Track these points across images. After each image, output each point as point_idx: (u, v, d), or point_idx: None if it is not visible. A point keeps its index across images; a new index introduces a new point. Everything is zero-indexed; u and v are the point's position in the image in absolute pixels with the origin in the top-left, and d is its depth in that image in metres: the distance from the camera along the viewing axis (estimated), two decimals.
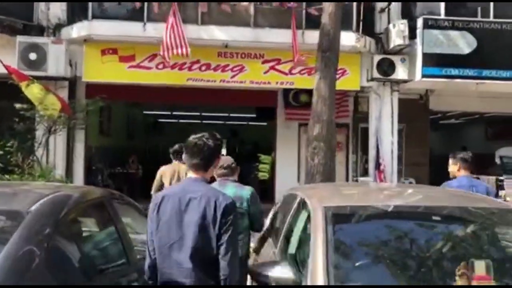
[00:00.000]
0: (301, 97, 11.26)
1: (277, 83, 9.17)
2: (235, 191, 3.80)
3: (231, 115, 19.04)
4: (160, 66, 8.89)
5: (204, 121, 22.23)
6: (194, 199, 2.44)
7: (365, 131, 11.90)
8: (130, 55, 8.93)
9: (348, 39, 8.39)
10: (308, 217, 2.69)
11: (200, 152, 2.53)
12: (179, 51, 7.99)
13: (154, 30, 8.36)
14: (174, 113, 19.15)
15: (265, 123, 19.57)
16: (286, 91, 11.21)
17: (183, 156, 2.88)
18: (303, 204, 2.97)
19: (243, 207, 3.76)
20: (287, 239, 3.03)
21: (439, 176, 12.74)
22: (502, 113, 13.43)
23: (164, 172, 6.15)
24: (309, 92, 11.49)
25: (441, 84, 9.19)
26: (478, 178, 5.89)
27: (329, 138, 5.91)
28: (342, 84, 9.43)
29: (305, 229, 2.73)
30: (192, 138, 2.61)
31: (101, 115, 13.02)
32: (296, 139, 11.36)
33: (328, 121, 5.94)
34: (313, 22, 8.36)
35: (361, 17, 8.78)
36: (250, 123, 21.32)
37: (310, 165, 5.92)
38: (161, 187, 5.96)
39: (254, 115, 18.29)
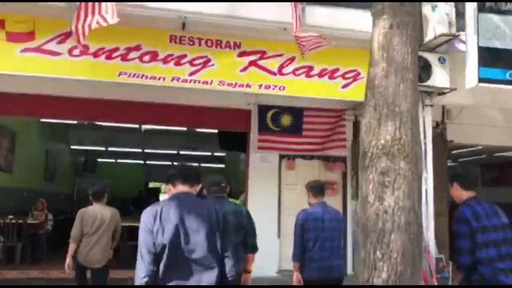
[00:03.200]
0: (282, 119, 8.15)
1: (260, 86, 5.98)
2: (234, 206, 4.12)
3: (181, 152, 15.59)
4: (76, 51, 5.53)
5: (148, 162, 18.62)
6: (195, 207, 2.72)
7: None
8: (27, 32, 5.51)
9: (365, 24, 5.18)
10: None
11: (194, 173, 2.95)
12: (100, 19, 4.70)
13: None
14: (110, 149, 15.43)
15: (222, 165, 16.29)
16: (262, 110, 8.07)
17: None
18: None
19: (243, 222, 3.99)
20: None
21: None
22: None
23: (84, 216, 5.20)
24: (294, 112, 8.50)
25: (492, 96, 6.39)
26: None
27: (414, 150, 2.68)
28: (351, 93, 6.47)
29: None
30: (181, 164, 3.17)
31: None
32: (276, 176, 8.10)
33: (412, 116, 2.72)
34: None
35: None
36: (203, 164, 17.93)
37: (374, 210, 2.61)
38: (81, 234, 5.11)
39: (209, 153, 15.02)
